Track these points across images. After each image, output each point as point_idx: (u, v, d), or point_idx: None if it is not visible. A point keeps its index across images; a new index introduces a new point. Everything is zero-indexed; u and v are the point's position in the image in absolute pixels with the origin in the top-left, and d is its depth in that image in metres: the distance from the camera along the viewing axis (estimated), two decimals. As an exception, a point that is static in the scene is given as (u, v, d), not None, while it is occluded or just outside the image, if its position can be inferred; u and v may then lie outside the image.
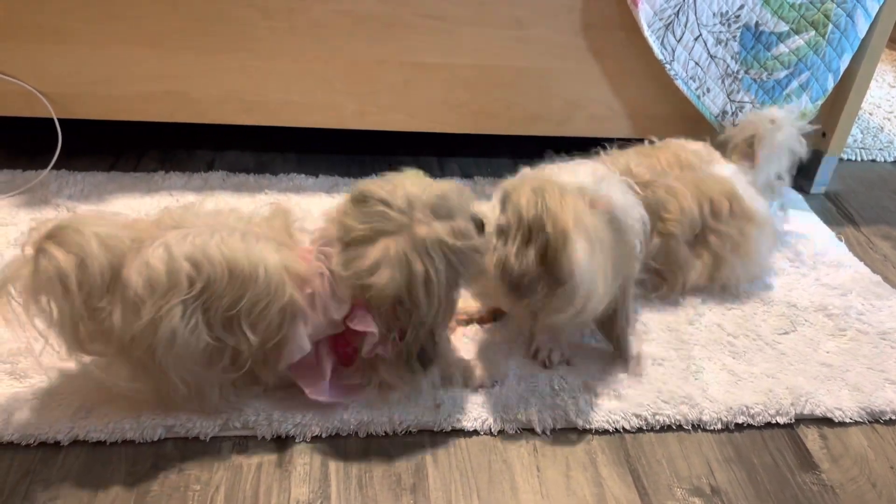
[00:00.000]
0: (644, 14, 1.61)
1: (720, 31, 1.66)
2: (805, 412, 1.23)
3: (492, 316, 1.36)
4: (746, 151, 1.57)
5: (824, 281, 1.56)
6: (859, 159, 2.16)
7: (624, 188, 1.28)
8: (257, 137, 1.87)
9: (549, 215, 1.07)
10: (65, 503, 0.99)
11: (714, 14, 1.64)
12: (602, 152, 1.45)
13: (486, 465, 1.10)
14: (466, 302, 1.33)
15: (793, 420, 1.23)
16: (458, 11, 1.60)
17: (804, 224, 1.76)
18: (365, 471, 1.08)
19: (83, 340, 1.01)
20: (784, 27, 1.67)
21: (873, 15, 1.68)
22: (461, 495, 1.06)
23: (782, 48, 1.69)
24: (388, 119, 1.72)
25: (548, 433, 1.16)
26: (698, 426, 1.20)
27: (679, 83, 1.70)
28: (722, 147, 1.57)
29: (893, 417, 1.25)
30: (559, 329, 1.24)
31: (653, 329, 1.38)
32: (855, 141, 2.21)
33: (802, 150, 1.58)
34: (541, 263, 1.08)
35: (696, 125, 1.73)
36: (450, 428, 1.14)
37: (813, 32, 1.67)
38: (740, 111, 1.74)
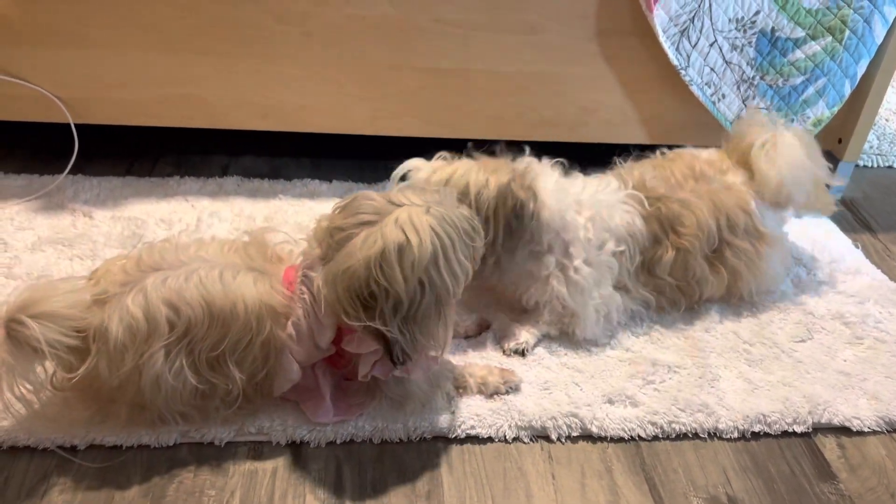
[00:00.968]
0: (659, 19, 1.61)
1: (736, 37, 1.65)
2: (822, 421, 1.22)
3: (478, 330, 1.35)
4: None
5: (841, 288, 1.55)
6: (875, 165, 2.14)
7: (627, 207, 1.34)
8: (271, 142, 1.87)
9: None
10: (81, 507, 0.99)
11: (730, 20, 1.63)
12: (618, 163, 1.47)
13: (502, 473, 1.10)
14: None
15: (810, 429, 1.22)
16: (472, 17, 1.60)
17: (820, 231, 1.75)
18: (379, 477, 1.08)
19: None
20: (800, 33, 1.65)
21: (891, 21, 1.67)
22: (476, 502, 1.05)
23: (798, 54, 1.68)
24: (402, 124, 1.72)
25: (563, 441, 1.16)
26: (714, 434, 1.20)
27: (694, 89, 1.69)
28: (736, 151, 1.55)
29: (912, 427, 1.24)
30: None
31: (668, 336, 1.37)
32: (871, 147, 2.20)
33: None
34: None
35: (711, 131, 1.72)
36: (465, 435, 1.14)
37: (830, 38, 1.66)
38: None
